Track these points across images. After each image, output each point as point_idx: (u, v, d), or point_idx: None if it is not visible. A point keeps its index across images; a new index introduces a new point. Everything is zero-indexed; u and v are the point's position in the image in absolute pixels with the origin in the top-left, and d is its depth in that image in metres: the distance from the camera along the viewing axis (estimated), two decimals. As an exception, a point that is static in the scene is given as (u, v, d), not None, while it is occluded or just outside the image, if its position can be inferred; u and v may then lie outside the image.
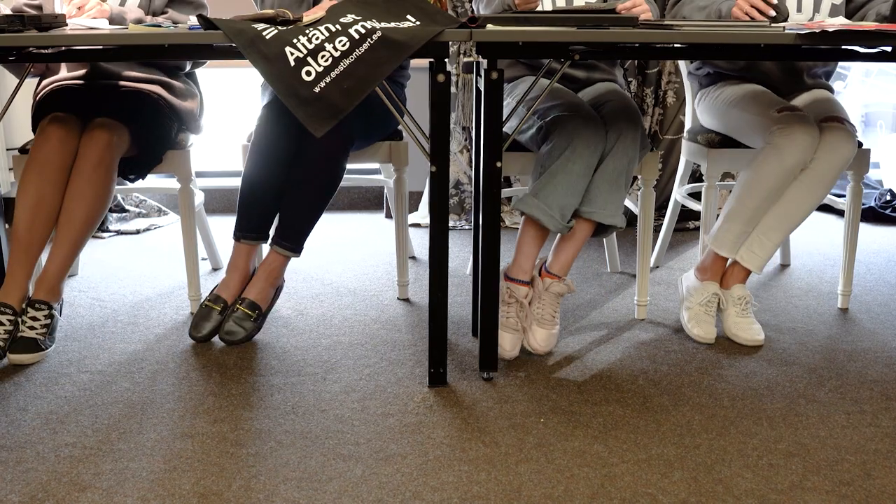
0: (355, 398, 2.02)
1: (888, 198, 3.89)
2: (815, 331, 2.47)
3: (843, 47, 2.04)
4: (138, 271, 2.98)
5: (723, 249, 2.38)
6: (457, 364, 2.22)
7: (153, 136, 2.41)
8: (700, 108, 2.68)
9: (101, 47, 2.00)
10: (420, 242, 3.35)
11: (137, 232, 3.50)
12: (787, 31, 1.83)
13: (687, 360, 2.26)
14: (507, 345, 2.22)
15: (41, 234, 2.23)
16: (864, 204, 3.85)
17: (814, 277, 2.97)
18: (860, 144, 2.55)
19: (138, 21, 2.34)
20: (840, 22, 2.01)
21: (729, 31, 1.83)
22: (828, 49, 2.05)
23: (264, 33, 1.79)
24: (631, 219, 3.08)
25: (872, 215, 3.82)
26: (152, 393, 2.05)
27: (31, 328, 2.23)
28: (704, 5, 2.39)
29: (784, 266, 3.09)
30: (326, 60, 1.76)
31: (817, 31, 1.79)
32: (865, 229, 3.62)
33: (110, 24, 2.28)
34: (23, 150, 2.48)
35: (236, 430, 1.86)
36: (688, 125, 2.86)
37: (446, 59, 1.86)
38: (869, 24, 1.89)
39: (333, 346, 2.34)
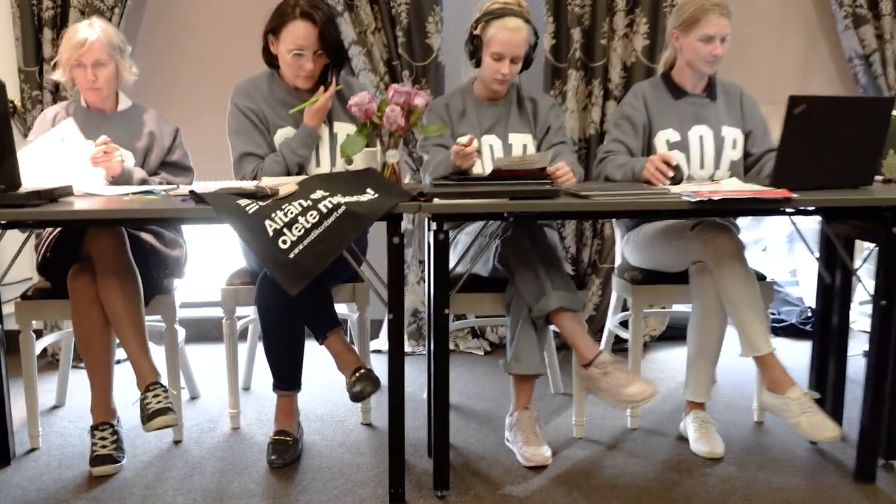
0: (325, 517, 2.30)
1: (809, 314, 4.28)
2: (732, 443, 2.80)
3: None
4: (123, 399, 3.23)
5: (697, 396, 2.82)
6: (414, 483, 2.51)
7: (143, 279, 2.73)
8: (627, 249, 3.06)
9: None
10: (382, 368, 3.63)
11: (118, 362, 3.75)
12: (682, 199, 2.22)
13: (617, 474, 2.57)
14: (540, 456, 2.64)
15: (101, 357, 2.68)
16: (784, 321, 4.24)
17: (736, 392, 3.31)
18: (764, 277, 2.93)
19: (143, 181, 2.72)
20: (728, 187, 2.42)
21: (634, 199, 2.22)
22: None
23: (247, 208, 2.14)
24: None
25: (794, 331, 4.19)
26: (143, 517, 2.31)
27: (104, 447, 2.63)
28: (622, 163, 2.80)
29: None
30: (300, 231, 2.12)
31: (706, 199, 2.19)
32: (787, 344, 3.99)
33: (118, 178, 2.66)
34: (24, 296, 2.78)
35: (221, 550, 2.12)
36: (617, 262, 3.23)
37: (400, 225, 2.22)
38: (749, 192, 2.29)
39: (304, 469, 2.62)
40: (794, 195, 2.24)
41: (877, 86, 3.92)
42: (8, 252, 2.60)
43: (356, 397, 2.52)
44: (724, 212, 2.46)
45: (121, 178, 2.71)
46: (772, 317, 4.31)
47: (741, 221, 3.09)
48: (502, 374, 2.99)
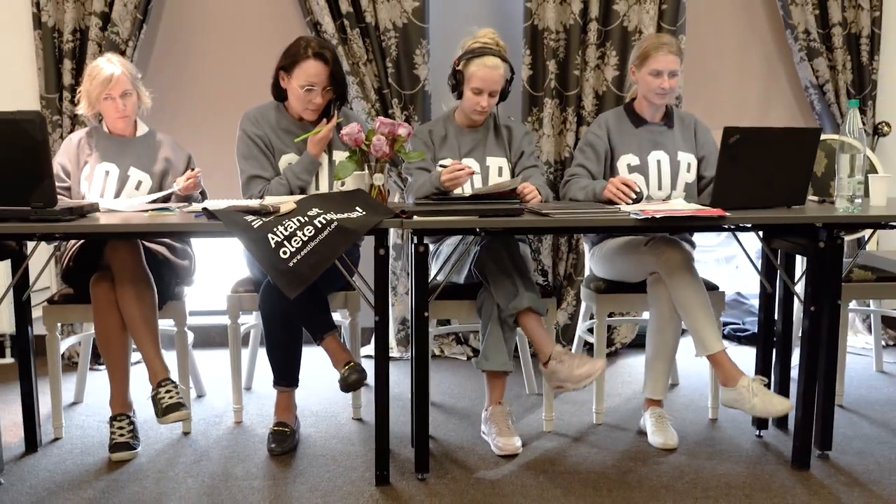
0: (318, 495, 2.62)
1: (771, 325, 4.59)
2: (686, 437, 3.11)
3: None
4: (136, 397, 3.55)
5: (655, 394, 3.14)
6: (398, 468, 2.83)
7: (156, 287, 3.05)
8: (593, 262, 3.39)
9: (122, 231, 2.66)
10: (373, 371, 3.96)
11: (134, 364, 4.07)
12: (630, 216, 2.56)
13: (579, 462, 2.89)
14: (511, 446, 2.94)
15: (118, 354, 2.99)
16: (748, 330, 4.57)
17: (696, 394, 3.63)
18: (716, 287, 3.25)
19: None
20: (674, 206, 2.75)
21: (588, 217, 2.56)
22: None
23: (252, 223, 2.47)
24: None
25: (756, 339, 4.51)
26: (158, 495, 2.63)
27: (121, 435, 2.96)
28: (584, 185, 3.13)
29: (673, 385, 3.76)
30: (298, 243, 2.45)
31: (650, 217, 2.52)
32: (749, 352, 4.30)
33: (184, 196, 3.07)
34: (51, 301, 3.10)
35: (227, 520, 2.44)
36: (586, 273, 3.56)
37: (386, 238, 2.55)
38: (689, 210, 2.62)
39: (301, 456, 2.94)
40: (728, 214, 2.57)
41: (830, 113, 4.26)
42: (31, 263, 2.93)
43: (346, 387, 2.84)
44: (669, 228, 2.80)
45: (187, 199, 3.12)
46: (736, 326, 4.64)
47: (715, 239, 3.41)
48: (482, 376, 3.32)
